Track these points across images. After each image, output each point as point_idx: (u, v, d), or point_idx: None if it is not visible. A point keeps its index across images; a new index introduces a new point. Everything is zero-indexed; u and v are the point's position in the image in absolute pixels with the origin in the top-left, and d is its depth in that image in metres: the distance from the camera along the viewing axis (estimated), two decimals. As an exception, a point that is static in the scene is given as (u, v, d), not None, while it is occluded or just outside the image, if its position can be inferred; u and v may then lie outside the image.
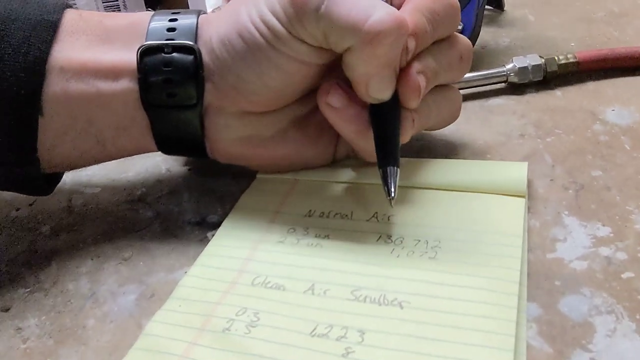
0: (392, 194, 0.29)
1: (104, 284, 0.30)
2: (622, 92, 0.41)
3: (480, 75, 0.43)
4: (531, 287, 0.27)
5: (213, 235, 0.32)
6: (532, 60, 0.42)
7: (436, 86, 0.32)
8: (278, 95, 0.31)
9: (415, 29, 0.29)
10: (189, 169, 0.39)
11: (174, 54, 0.30)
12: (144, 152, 0.34)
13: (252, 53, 0.29)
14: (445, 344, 0.24)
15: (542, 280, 0.27)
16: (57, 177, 0.35)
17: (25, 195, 0.37)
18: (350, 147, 0.34)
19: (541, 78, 0.43)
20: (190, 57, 0.30)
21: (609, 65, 0.43)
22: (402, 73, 0.30)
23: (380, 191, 0.31)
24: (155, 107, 0.31)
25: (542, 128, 0.38)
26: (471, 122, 0.40)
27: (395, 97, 0.31)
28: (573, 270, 0.28)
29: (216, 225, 0.33)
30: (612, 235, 0.29)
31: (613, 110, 0.39)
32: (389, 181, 0.29)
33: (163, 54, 0.30)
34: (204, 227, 0.33)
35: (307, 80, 0.31)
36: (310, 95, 0.33)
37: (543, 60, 0.42)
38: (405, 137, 0.31)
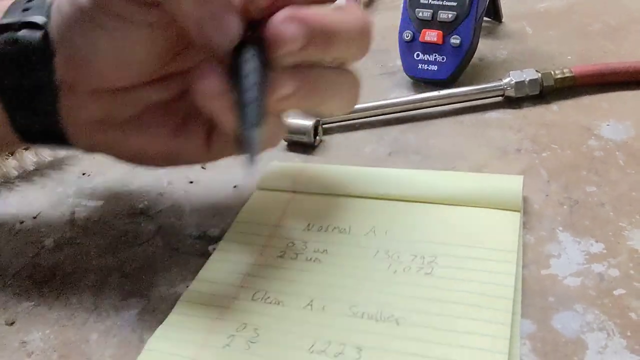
0: (252, 160, 0.25)
1: (107, 298, 0.31)
2: (617, 107, 0.42)
3: (477, 89, 0.43)
4: (525, 303, 0.28)
5: (214, 249, 0.33)
6: (528, 74, 0.43)
7: (331, 67, 0.29)
8: (123, 66, 0.29)
9: None
10: (191, 182, 0.39)
11: (23, 31, 0.28)
12: (12, 147, 0.32)
13: (84, 20, 0.27)
14: (440, 360, 0.24)
15: (536, 297, 0.28)
16: None
17: (28, 208, 0.37)
18: (230, 143, 0.30)
19: (538, 92, 0.43)
20: (37, 34, 0.28)
21: (605, 80, 0.44)
22: (271, 19, 0.26)
23: (379, 205, 0.32)
24: (6, 89, 0.29)
25: (538, 143, 0.39)
26: (468, 136, 0.41)
27: (256, 53, 0.26)
28: (567, 286, 0.28)
29: (217, 239, 0.34)
30: (605, 251, 0.30)
31: (608, 125, 0.40)
32: (248, 146, 0.25)
33: (11, 32, 0.28)
34: (205, 240, 0.34)
35: (148, 50, 0.29)
36: (171, 80, 0.31)
37: (540, 74, 0.43)
38: (277, 104, 0.28)
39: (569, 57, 0.50)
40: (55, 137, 0.31)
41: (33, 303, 0.31)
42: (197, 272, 0.31)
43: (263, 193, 0.36)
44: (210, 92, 0.27)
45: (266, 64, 0.26)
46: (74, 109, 0.30)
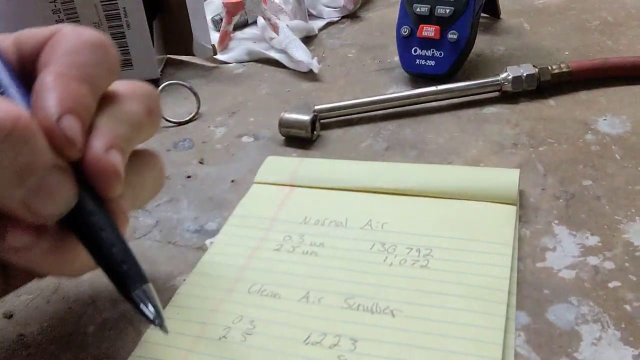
0: (158, 319, 0.23)
1: (104, 291, 0.31)
2: (614, 102, 0.42)
3: (475, 84, 0.44)
4: (520, 295, 0.28)
5: (211, 243, 0.33)
6: (525, 69, 0.43)
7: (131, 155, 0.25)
8: None
9: (73, 105, 0.22)
10: (188, 177, 0.39)
11: None
12: None
13: None
14: (435, 352, 0.25)
15: (531, 289, 0.28)
16: None
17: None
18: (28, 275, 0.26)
19: (535, 87, 0.43)
20: None
21: (602, 75, 0.44)
22: (87, 157, 0.22)
23: (375, 199, 0.32)
24: None
25: (535, 137, 0.39)
26: (465, 130, 0.41)
27: (89, 195, 0.22)
28: (562, 279, 0.28)
29: (214, 233, 0.34)
30: (600, 244, 0.30)
31: (605, 119, 0.40)
32: (147, 306, 0.23)
33: None
34: (202, 234, 0.34)
35: None
36: None
37: (537, 69, 0.43)
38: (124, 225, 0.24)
39: (567, 53, 0.50)
40: None
41: (31, 296, 0.31)
42: (194, 265, 0.31)
43: (260, 187, 0.36)
44: (25, 243, 0.22)
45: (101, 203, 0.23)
46: None
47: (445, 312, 0.26)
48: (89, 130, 0.23)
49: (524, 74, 0.43)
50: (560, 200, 0.33)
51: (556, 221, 0.32)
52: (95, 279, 0.32)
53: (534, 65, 0.43)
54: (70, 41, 0.24)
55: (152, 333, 0.27)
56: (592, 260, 0.29)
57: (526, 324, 0.26)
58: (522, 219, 0.32)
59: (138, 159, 0.26)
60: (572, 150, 0.37)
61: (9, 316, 0.30)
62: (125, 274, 0.23)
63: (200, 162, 0.41)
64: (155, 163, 0.28)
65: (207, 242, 0.33)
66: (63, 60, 0.23)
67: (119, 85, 0.25)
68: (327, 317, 0.27)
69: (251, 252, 0.31)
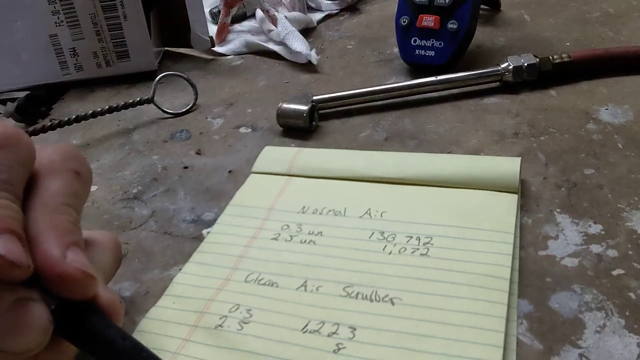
0: None
1: (99, 281, 0.30)
2: (616, 92, 0.41)
3: (475, 74, 0.43)
4: (522, 283, 0.27)
5: (208, 233, 0.32)
6: (526, 59, 0.43)
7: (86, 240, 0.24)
8: None
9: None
10: (185, 167, 0.39)
11: None
12: None
13: None
14: (436, 340, 0.24)
15: (533, 277, 0.28)
16: None
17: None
18: None
19: (536, 77, 0.43)
20: None
21: (604, 65, 0.43)
22: (50, 270, 0.20)
23: (375, 188, 0.31)
24: None
25: (536, 127, 0.39)
26: (465, 120, 0.40)
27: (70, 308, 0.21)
28: (564, 267, 0.28)
29: (211, 223, 0.33)
30: (603, 232, 0.30)
31: (607, 109, 0.40)
32: None
33: None
34: (199, 224, 0.34)
35: None
36: None
37: (538, 59, 0.43)
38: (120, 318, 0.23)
39: (567, 44, 0.49)
40: None
41: (24, 286, 0.31)
42: (190, 255, 0.31)
43: (258, 177, 0.36)
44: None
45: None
46: None
47: (446, 300, 0.26)
48: (30, 237, 0.20)
49: (525, 64, 0.42)
50: (562, 189, 0.33)
51: (558, 210, 0.31)
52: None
53: (535, 55, 0.43)
54: None
55: (147, 322, 0.27)
56: (595, 248, 0.29)
57: (528, 312, 0.26)
58: (523, 207, 0.32)
59: (95, 241, 0.25)
60: (574, 140, 0.37)
61: (1, 306, 0.29)
62: None
63: (198, 153, 0.40)
64: (112, 242, 0.26)
65: (204, 232, 0.33)
66: None
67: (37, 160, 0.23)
68: (325, 305, 0.26)
69: (248, 241, 0.31)
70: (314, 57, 0.50)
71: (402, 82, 0.44)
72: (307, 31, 0.58)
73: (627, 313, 0.25)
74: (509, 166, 0.32)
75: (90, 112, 0.44)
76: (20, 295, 0.20)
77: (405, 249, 0.29)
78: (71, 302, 0.21)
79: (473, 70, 0.44)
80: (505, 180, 0.32)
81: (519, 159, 0.33)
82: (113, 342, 0.21)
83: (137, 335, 0.26)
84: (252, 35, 0.58)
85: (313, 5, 0.63)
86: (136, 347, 0.21)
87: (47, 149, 0.24)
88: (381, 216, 0.31)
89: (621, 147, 0.36)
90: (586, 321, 0.25)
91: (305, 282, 0.28)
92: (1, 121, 0.23)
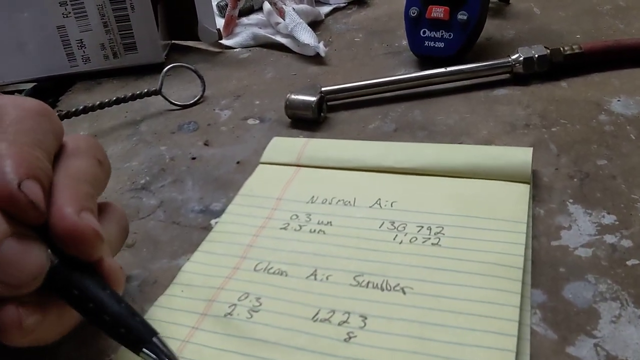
0: None
1: (107, 270, 0.30)
2: (628, 83, 0.41)
3: (485, 65, 0.43)
4: (535, 273, 0.27)
5: (216, 223, 0.32)
6: (537, 50, 0.42)
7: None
8: None
9: (31, 170, 0.21)
10: (193, 158, 0.39)
11: None
12: None
13: None
14: (449, 329, 0.24)
15: (546, 267, 0.27)
16: None
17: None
18: None
19: (546, 69, 0.42)
20: None
21: (615, 56, 0.43)
22: (63, 225, 0.21)
23: (385, 178, 0.31)
24: None
25: (547, 118, 0.38)
26: (476, 111, 0.40)
27: (72, 263, 0.22)
28: (578, 257, 0.28)
29: (219, 213, 0.33)
30: (617, 223, 0.29)
31: (619, 100, 0.39)
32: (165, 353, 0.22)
33: None
34: (207, 214, 0.33)
35: None
36: None
37: (549, 51, 0.42)
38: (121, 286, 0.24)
39: (578, 36, 0.49)
40: None
41: (32, 275, 0.30)
42: (199, 245, 0.31)
43: (266, 167, 0.36)
44: (34, 321, 0.21)
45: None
46: None
47: (458, 289, 0.25)
48: (49, 195, 0.22)
49: (536, 55, 0.42)
50: (575, 180, 0.32)
51: (571, 200, 0.31)
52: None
53: (545, 47, 0.42)
54: (13, 112, 0.23)
55: (155, 310, 0.27)
56: (609, 238, 0.28)
57: (542, 302, 0.25)
58: (535, 198, 0.31)
59: (103, 212, 0.27)
60: (586, 131, 0.37)
61: (9, 295, 0.29)
62: (126, 339, 0.22)
63: (205, 144, 0.40)
64: (119, 213, 0.28)
65: (212, 222, 0.33)
66: (11, 129, 0.23)
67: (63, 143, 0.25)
68: (335, 294, 0.26)
69: (257, 231, 0.30)
70: (322, 49, 0.50)
71: (411, 73, 0.43)
72: (314, 24, 0.58)
73: (642, 303, 0.25)
74: (520, 156, 0.32)
75: (98, 103, 0.43)
76: (23, 231, 0.21)
77: (416, 239, 0.28)
78: (73, 261, 0.22)
79: (483, 61, 0.43)
80: (517, 170, 0.31)
81: (530, 149, 0.32)
82: (106, 304, 0.22)
83: (145, 324, 0.26)
84: (260, 28, 0.58)
85: (321, -1, 0.62)
86: (130, 312, 0.22)
87: (73, 136, 0.26)
88: (391, 206, 0.31)
89: (634, 138, 0.35)
90: (601, 311, 0.25)
91: (315, 271, 0.27)
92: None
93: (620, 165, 0.33)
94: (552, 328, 0.24)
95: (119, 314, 0.22)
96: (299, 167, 0.35)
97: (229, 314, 0.26)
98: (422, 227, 0.29)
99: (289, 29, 0.52)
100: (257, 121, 0.42)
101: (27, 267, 0.21)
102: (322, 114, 0.41)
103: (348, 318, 0.25)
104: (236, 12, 0.58)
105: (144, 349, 0.22)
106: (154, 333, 0.22)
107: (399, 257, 0.28)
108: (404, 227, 0.29)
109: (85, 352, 0.26)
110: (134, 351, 0.22)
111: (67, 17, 0.49)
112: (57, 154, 0.24)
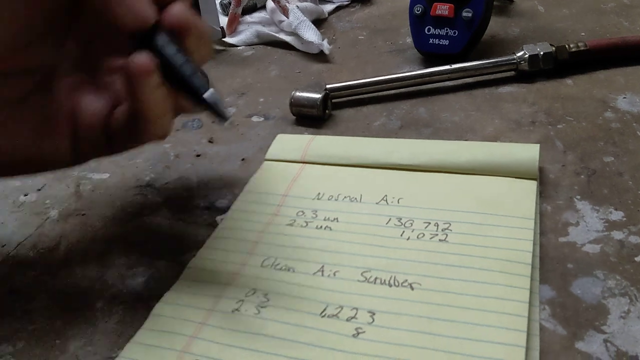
0: (224, 114, 0.26)
1: (113, 267, 0.30)
2: (634, 80, 0.41)
3: (490, 62, 0.43)
4: (544, 269, 0.27)
5: (222, 219, 0.32)
6: (543, 48, 0.42)
7: None
8: None
9: None
10: (198, 155, 0.39)
11: None
12: None
13: None
14: (457, 324, 0.24)
15: (554, 263, 0.27)
16: None
17: (33, 181, 0.37)
18: (98, 141, 0.28)
19: (552, 66, 0.42)
20: None
21: (620, 54, 0.43)
22: (168, 12, 0.26)
23: (391, 175, 0.31)
24: None
25: (553, 115, 0.38)
26: (481, 109, 0.40)
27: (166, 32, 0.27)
28: (586, 253, 0.27)
29: (225, 210, 0.33)
30: (625, 219, 0.29)
31: (624, 97, 0.39)
32: (216, 104, 0.26)
33: None
34: (212, 211, 0.33)
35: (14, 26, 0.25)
36: (26, 75, 0.27)
37: (554, 48, 0.42)
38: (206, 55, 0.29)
39: (583, 34, 0.49)
40: None
41: (37, 272, 0.30)
42: (204, 241, 0.30)
43: (271, 164, 0.35)
44: (144, 61, 0.26)
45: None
46: None
47: (466, 285, 0.25)
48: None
49: (541, 53, 0.42)
50: (582, 177, 0.32)
51: (578, 197, 0.31)
52: (103, 255, 0.31)
53: (550, 44, 0.42)
54: None
55: (162, 306, 0.26)
56: (617, 234, 0.28)
57: (551, 298, 0.25)
58: (542, 194, 0.31)
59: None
60: (592, 128, 0.36)
61: (14, 291, 0.29)
62: (195, 85, 0.26)
63: (210, 142, 0.40)
64: (205, 33, 0.29)
65: (218, 218, 0.33)
66: None
67: None
68: (343, 290, 0.26)
69: (263, 227, 0.30)
70: (326, 46, 0.50)
71: (416, 70, 0.43)
72: (318, 22, 0.57)
73: (652, 299, 0.25)
74: (527, 152, 0.32)
75: (102, 100, 0.43)
76: None
77: (424, 235, 0.28)
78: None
79: (488, 59, 0.43)
80: (524, 166, 0.31)
81: (537, 146, 0.32)
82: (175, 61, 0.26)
83: (152, 319, 0.26)
84: (263, 26, 0.58)
85: (324, -3, 0.62)
86: (193, 67, 0.26)
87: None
88: (398, 202, 0.31)
89: (640, 134, 0.35)
90: (610, 307, 0.25)
91: (322, 267, 0.27)
92: None
93: (627, 162, 0.33)
94: (561, 324, 0.24)
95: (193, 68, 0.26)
96: (304, 164, 0.35)
97: (237, 309, 0.26)
98: (429, 223, 0.29)
99: (293, 27, 0.52)
100: (262, 118, 0.42)
101: (142, 13, 0.25)
102: (326, 111, 0.41)
103: (356, 314, 0.25)
104: (240, 10, 0.57)
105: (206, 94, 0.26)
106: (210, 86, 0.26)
107: (407, 253, 0.27)
108: (411, 224, 0.29)
109: (92, 350, 0.26)
110: (200, 98, 0.26)
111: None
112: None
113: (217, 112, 0.26)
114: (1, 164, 0.28)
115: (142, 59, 0.25)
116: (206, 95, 0.26)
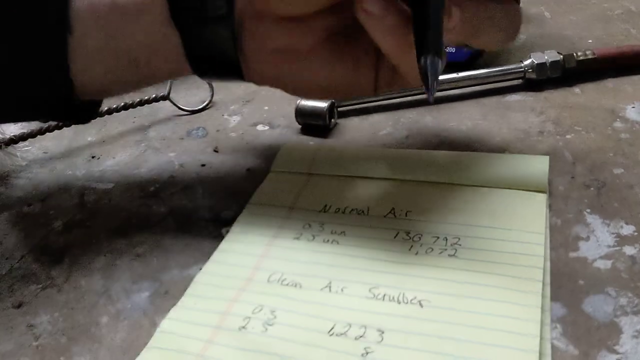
0: (431, 88, 0.26)
1: (118, 281, 0.30)
2: (642, 89, 0.41)
3: (497, 70, 0.42)
4: (554, 286, 0.26)
5: (227, 231, 0.32)
6: (550, 56, 0.42)
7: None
8: None
9: None
10: (203, 165, 0.38)
11: None
12: (179, 76, 0.33)
13: None
14: (468, 344, 0.23)
15: (565, 280, 0.27)
16: (95, 105, 0.35)
17: (36, 191, 0.36)
18: (392, 76, 0.31)
19: (559, 75, 0.42)
20: None
21: (628, 62, 0.42)
22: None
23: (398, 186, 0.30)
24: (185, 20, 0.30)
25: (561, 125, 0.38)
26: (488, 118, 0.39)
27: None
28: (597, 269, 0.27)
29: (230, 221, 0.32)
30: (636, 233, 0.29)
31: (633, 107, 0.39)
32: (428, 73, 0.26)
33: None
34: (218, 223, 0.33)
35: None
36: (345, 7, 0.29)
37: (561, 56, 0.42)
38: (450, 23, 0.28)
39: (590, 41, 0.48)
40: (229, 71, 0.31)
41: (41, 286, 0.30)
42: (210, 254, 0.30)
43: (277, 175, 0.35)
44: (373, 8, 0.27)
45: None
46: (253, 39, 0.30)
47: (477, 303, 0.25)
48: None
49: (549, 61, 0.41)
50: (591, 189, 0.32)
51: (588, 210, 0.31)
52: (107, 267, 0.31)
53: (558, 52, 0.42)
54: None
55: (168, 323, 0.26)
56: (629, 250, 0.28)
57: (562, 316, 0.25)
58: (551, 207, 0.31)
59: (503, 5, 0.30)
60: (601, 139, 0.36)
61: (17, 305, 0.29)
62: (429, 40, 0.26)
63: (215, 151, 0.40)
64: (513, 14, 0.31)
65: (223, 230, 0.32)
66: None
67: None
68: (351, 307, 0.26)
69: (269, 241, 0.30)
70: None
71: (422, 79, 0.43)
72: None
73: (665, 317, 0.24)
74: (537, 165, 0.31)
75: (106, 108, 0.43)
76: None
77: (432, 250, 0.28)
78: None
79: (495, 67, 0.43)
80: (533, 179, 0.31)
81: (547, 157, 0.32)
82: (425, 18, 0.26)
83: (158, 336, 0.26)
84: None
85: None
86: (439, 31, 0.26)
87: None
88: (406, 215, 0.30)
89: (650, 146, 0.35)
90: (622, 325, 0.24)
91: (330, 282, 0.27)
92: None
93: (638, 174, 0.33)
94: (573, 343, 0.24)
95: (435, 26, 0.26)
96: (310, 175, 0.34)
97: (244, 327, 0.25)
98: (438, 237, 0.29)
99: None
100: (267, 127, 0.42)
101: None
102: (332, 120, 0.40)
103: (365, 332, 0.24)
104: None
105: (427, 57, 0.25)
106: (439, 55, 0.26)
107: (416, 268, 0.27)
108: (420, 238, 0.29)
109: (97, 349, 0.25)
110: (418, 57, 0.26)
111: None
112: None
113: (424, 82, 0.25)
114: (316, 91, 0.33)
115: (368, 5, 0.27)
116: (424, 59, 0.25)
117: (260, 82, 0.33)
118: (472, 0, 0.28)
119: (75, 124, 0.34)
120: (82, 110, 0.33)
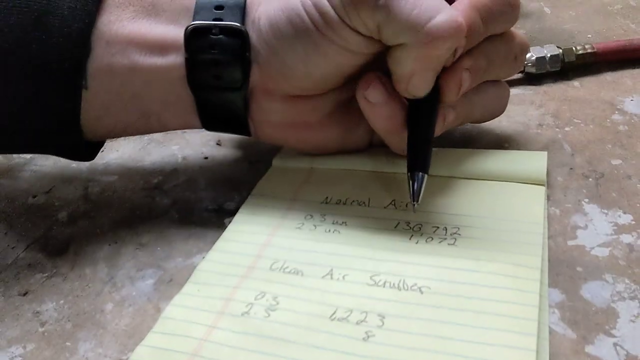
0: (415, 200, 0.29)
1: (122, 269, 0.30)
2: (641, 83, 0.41)
3: (497, 65, 0.42)
4: (552, 273, 0.27)
5: (230, 222, 0.32)
6: (549, 50, 0.42)
7: (484, 84, 0.32)
8: (323, 81, 0.31)
9: (467, 27, 0.28)
10: (205, 158, 0.39)
11: (222, 36, 0.30)
12: (187, 128, 0.34)
13: (299, 39, 0.28)
14: (467, 328, 0.24)
15: (563, 267, 0.27)
16: (100, 143, 0.35)
17: (41, 184, 0.37)
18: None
19: (559, 68, 0.42)
20: (238, 41, 0.30)
21: (627, 56, 0.43)
22: (448, 68, 0.30)
23: (398, 179, 0.31)
24: (200, 87, 0.31)
25: (560, 118, 0.38)
26: (488, 111, 0.40)
27: (435, 93, 0.30)
28: (595, 257, 0.27)
29: (233, 212, 0.33)
30: (633, 222, 0.29)
31: (632, 100, 0.39)
32: (414, 186, 0.29)
33: (211, 36, 0.30)
34: (221, 213, 0.33)
35: (353, 67, 0.30)
36: (354, 78, 0.31)
37: (561, 50, 0.42)
38: (437, 132, 0.31)
39: (589, 36, 0.49)
40: (238, 130, 0.33)
41: (46, 274, 0.30)
42: (213, 244, 0.31)
43: (280, 168, 0.36)
44: (374, 99, 0.30)
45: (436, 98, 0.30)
46: (264, 111, 0.32)
47: (476, 289, 0.25)
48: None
49: (548, 55, 0.42)
50: (590, 180, 0.32)
51: (586, 200, 0.31)
52: (112, 256, 0.31)
53: (557, 46, 0.42)
54: None
55: (172, 309, 0.27)
56: (626, 238, 0.28)
57: (560, 302, 0.25)
58: (550, 198, 0.31)
59: (490, 86, 0.33)
60: (600, 131, 0.36)
61: (24, 293, 0.29)
62: (418, 158, 0.30)
63: (218, 144, 0.40)
64: (501, 94, 0.34)
65: (226, 221, 0.33)
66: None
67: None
68: (352, 293, 0.26)
69: (272, 230, 0.30)
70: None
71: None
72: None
73: (661, 303, 0.25)
74: (535, 161, 0.32)
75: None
76: None
77: (432, 239, 0.28)
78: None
79: (495, 61, 0.43)
80: (531, 173, 0.31)
81: (545, 154, 0.32)
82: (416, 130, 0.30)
83: (162, 322, 0.26)
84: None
85: None
86: (418, 146, 0.30)
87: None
88: (406, 207, 0.31)
89: (649, 137, 0.35)
90: (619, 310, 0.25)
91: (331, 270, 0.27)
92: None
93: (636, 165, 0.33)
94: (571, 327, 0.24)
95: (424, 143, 0.30)
96: (312, 168, 0.35)
97: (246, 312, 0.26)
98: (438, 227, 0.29)
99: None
100: (269, 121, 0.42)
101: (425, 88, 0.30)
102: (334, 113, 0.41)
103: (366, 317, 0.25)
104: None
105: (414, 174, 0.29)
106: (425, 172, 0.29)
107: (416, 256, 0.28)
108: (420, 228, 0.29)
109: (102, 352, 0.26)
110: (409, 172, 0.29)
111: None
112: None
113: (412, 191, 0.29)
114: (317, 150, 0.35)
115: (371, 93, 0.30)
116: (416, 173, 0.29)
117: (267, 141, 0.35)
118: (466, 94, 0.31)
119: (80, 160, 0.35)
120: (88, 148, 0.34)
